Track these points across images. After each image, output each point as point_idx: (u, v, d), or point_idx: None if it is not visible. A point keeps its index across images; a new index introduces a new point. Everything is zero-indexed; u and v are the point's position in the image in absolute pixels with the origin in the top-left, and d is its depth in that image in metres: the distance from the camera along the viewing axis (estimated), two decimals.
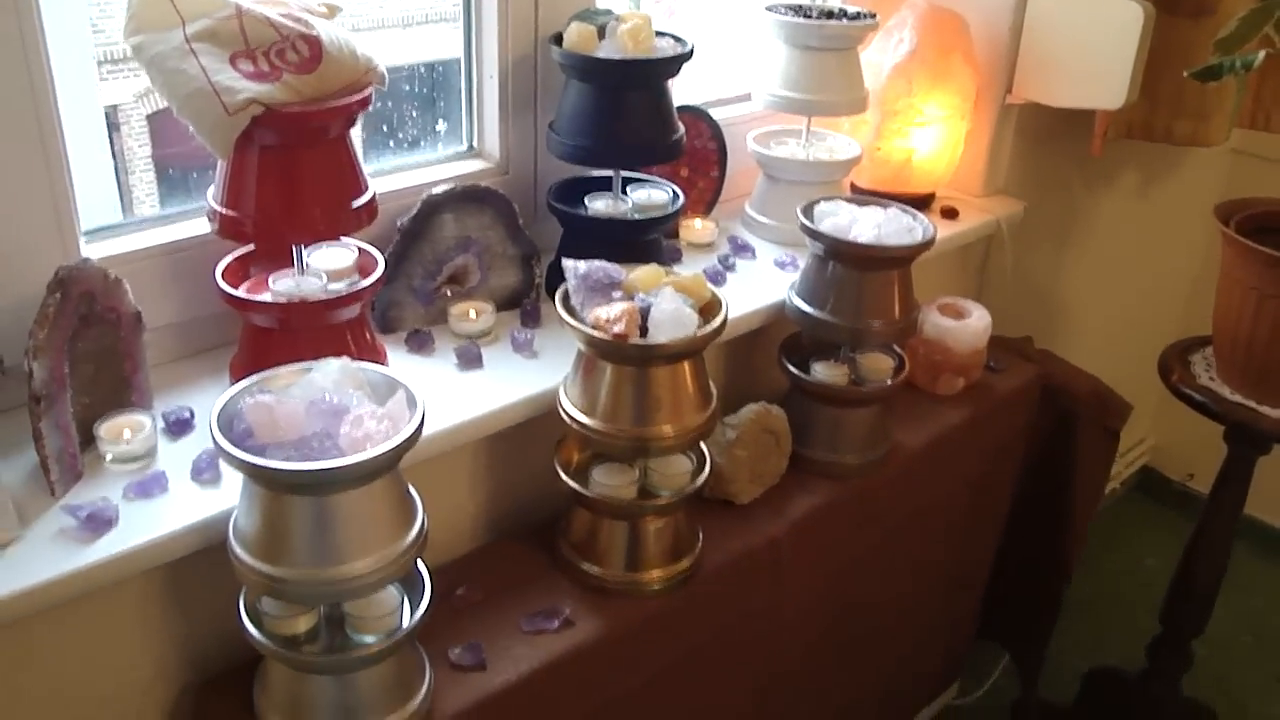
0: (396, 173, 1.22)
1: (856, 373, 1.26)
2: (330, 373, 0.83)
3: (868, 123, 1.49)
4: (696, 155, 1.41)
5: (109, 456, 0.92)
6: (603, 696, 1.05)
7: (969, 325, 1.41)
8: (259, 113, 0.86)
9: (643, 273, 1.01)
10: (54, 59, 0.91)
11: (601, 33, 1.14)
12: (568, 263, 1.00)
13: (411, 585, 0.90)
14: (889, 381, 1.25)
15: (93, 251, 0.99)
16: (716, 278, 1.30)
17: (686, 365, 1.00)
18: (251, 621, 0.86)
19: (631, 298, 0.98)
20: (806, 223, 1.18)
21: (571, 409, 1.01)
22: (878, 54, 1.48)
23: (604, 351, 0.97)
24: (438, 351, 1.12)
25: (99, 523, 0.84)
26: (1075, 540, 1.58)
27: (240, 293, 0.98)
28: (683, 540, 1.10)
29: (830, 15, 1.36)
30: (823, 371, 1.24)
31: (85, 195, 0.99)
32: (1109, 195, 1.91)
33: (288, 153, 0.93)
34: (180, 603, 0.93)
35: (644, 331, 0.96)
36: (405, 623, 0.87)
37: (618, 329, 0.93)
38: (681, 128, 1.19)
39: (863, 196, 1.27)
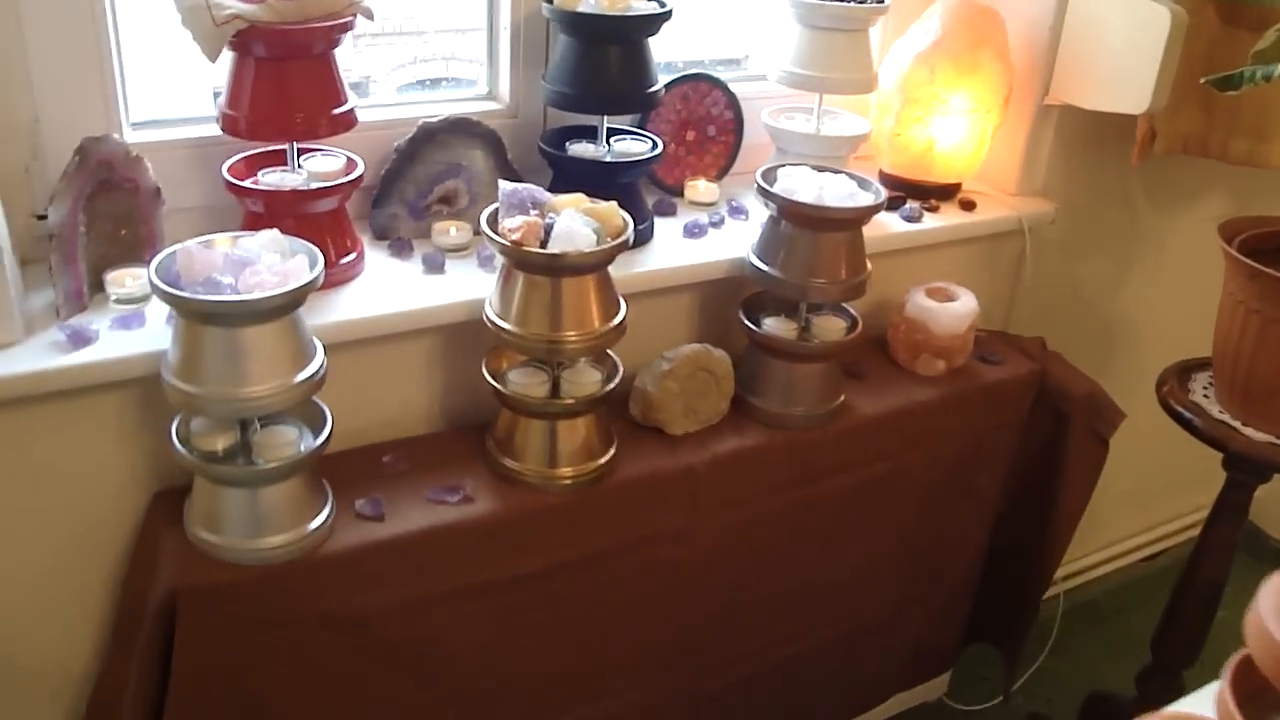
0: (419, 104, 1.45)
1: (809, 331, 1.40)
2: (260, 239, 1.06)
3: (890, 108, 1.61)
4: (712, 121, 1.58)
5: (112, 298, 1.19)
6: (491, 574, 1.24)
7: (949, 309, 1.51)
8: (243, 26, 1.11)
9: (566, 198, 1.19)
10: None
11: None
12: (503, 184, 1.20)
13: (316, 425, 1.13)
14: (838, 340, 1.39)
15: (137, 137, 1.27)
16: (697, 231, 1.46)
17: (591, 279, 1.18)
18: (181, 441, 1.10)
19: (544, 216, 1.17)
20: (762, 184, 1.33)
21: (491, 313, 1.21)
22: (908, 41, 1.60)
23: (515, 261, 1.16)
24: (413, 258, 1.34)
25: (79, 340, 1.11)
26: (1057, 544, 1.63)
27: (236, 181, 1.23)
28: (595, 447, 1.27)
29: None
30: (773, 325, 1.39)
31: None
32: (1186, 215, 1.92)
33: (277, 64, 1.17)
34: (148, 422, 1.17)
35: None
36: (304, 450, 1.10)
37: (514, 237, 1.12)
38: (659, 81, 1.37)
39: (825, 166, 1.39)
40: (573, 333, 1.18)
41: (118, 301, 1.19)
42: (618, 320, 1.21)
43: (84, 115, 1.21)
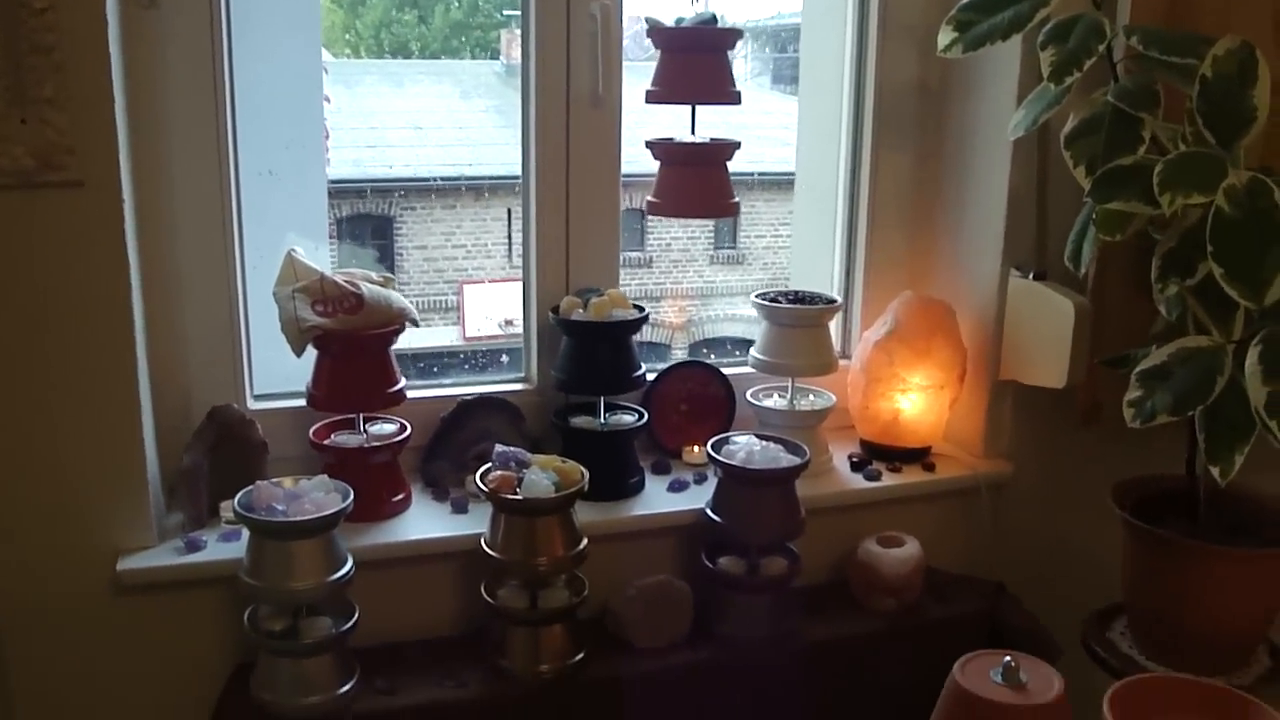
0: (475, 385, 2.08)
1: (757, 568, 1.88)
2: (313, 481, 1.68)
3: (859, 385, 2.12)
4: (708, 400, 2.13)
5: (223, 519, 1.82)
6: None
7: (893, 554, 1.96)
8: (319, 334, 1.76)
9: (541, 458, 1.76)
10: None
11: (586, 304, 1.93)
12: (497, 447, 1.78)
13: (347, 616, 1.69)
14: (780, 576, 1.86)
15: (256, 405, 1.93)
16: (682, 486, 1.99)
17: (555, 518, 1.72)
18: (250, 624, 1.69)
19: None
20: (710, 451, 1.86)
21: (484, 544, 1.76)
22: (872, 330, 2.12)
23: (494, 504, 1.73)
24: (448, 501, 1.93)
25: (192, 546, 1.73)
26: None
27: (315, 440, 1.86)
28: (568, 651, 1.78)
29: (800, 300, 2.04)
30: (726, 563, 1.88)
31: None
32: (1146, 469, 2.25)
33: (346, 358, 1.82)
34: (235, 611, 1.76)
35: None
36: (335, 632, 1.66)
37: (492, 486, 1.69)
38: (641, 368, 1.94)
39: (767, 434, 1.91)
40: (543, 558, 1.72)
41: (226, 523, 1.82)
42: (579, 549, 1.74)
43: (220, 390, 1.89)
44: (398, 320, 1.83)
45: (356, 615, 1.70)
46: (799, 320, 2.03)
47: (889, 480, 2.07)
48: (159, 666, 1.76)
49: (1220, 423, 1.62)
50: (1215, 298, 1.64)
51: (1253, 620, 1.80)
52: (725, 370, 2.15)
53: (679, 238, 9.43)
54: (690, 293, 9.53)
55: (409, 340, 1.91)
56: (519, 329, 2.14)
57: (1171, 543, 1.76)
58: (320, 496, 1.65)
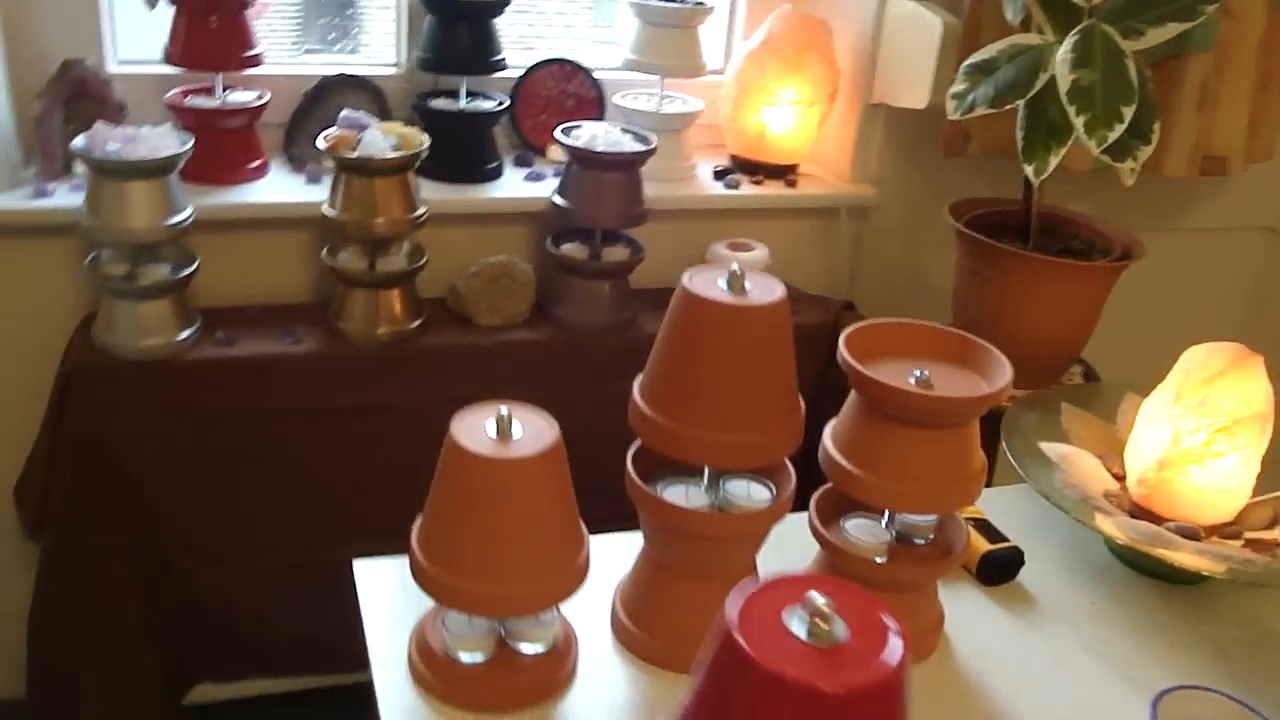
0: (344, 64, 2.10)
1: (599, 256, 1.95)
2: (158, 130, 1.73)
3: (730, 97, 2.15)
4: (575, 96, 2.16)
5: (77, 172, 1.88)
6: (314, 402, 1.84)
7: (740, 256, 2.03)
8: None
9: (388, 125, 1.81)
10: None
11: None
12: (345, 111, 1.82)
13: (186, 264, 1.77)
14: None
15: (121, 69, 1.97)
16: (536, 177, 2.05)
17: (394, 180, 1.78)
18: (91, 268, 1.76)
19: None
20: (559, 135, 1.91)
21: (325, 207, 1.82)
22: (748, 42, 2.14)
23: (335, 164, 1.78)
24: (304, 172, 1.98)
25: (40, 193, 1.79)
26: None
27: (170, 103, 1.91)
28: (405, 317, 1.86)
29: None
30: (567, 248, 1.95)
31: None
32: None
33: (202, 14, 1.84)
34: (82, 263, 1.84)
35: None
36: (174, 277, 1.74)
37: (330, 143, 1.74)
38: (501, 52, 1.97)
39: (625, 127, 1.95)
40: (381, 219, 1.78)
41: (79, 175, 1.88)
42: (417, 214, 1.80)
43: (80, 49, 1.91)
44: None
45: (197, 263, 1.77)
46: (670, 19, 2.05)
47: (747, 190, 2.12)
48: (8, 313, 1.84)
49: (1039, 120, 1.67)
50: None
51: (1069, 335, 1.90)
52: (596, 75, 2.17)
53: None
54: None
55: None
56: None
57: (1000, 253, 1.84)
58: (158, 141, 1.70)
